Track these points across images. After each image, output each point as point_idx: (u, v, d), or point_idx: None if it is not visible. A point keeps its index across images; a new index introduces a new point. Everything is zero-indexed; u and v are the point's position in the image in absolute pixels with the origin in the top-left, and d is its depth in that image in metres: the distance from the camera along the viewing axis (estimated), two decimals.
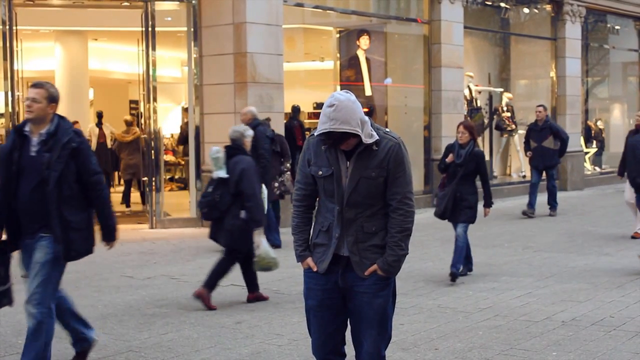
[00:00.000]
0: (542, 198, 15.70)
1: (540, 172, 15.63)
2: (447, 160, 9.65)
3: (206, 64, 14.40)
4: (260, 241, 8.08)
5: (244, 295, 8.68)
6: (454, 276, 9.36)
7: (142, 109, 15.86)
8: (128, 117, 18.27)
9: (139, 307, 8.29)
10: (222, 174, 8.21)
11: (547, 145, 15.42)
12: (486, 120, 21.06)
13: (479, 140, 20.73)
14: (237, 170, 8.09)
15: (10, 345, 6.82)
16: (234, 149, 8.36)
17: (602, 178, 23.32)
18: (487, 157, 20.71)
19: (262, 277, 9.63)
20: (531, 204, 15.50)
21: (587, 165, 23.86)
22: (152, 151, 14.62)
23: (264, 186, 10.08)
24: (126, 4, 14.85)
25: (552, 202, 15.75)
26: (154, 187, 14.51)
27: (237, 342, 6.93)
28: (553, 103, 22.15)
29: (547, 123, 15.49)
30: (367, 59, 17.89)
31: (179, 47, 17.46)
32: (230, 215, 8.13)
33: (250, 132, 8.72)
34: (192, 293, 8.29)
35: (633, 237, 12.43)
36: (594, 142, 24.57)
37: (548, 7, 22.02)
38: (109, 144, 19.42)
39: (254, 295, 8.51)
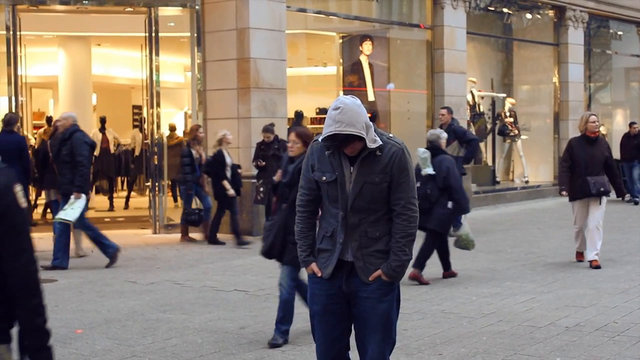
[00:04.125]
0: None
1: None
2: (275, 178, 7.56)
3: (209, 70, 14.42)
4: (464, 223, 9.89)
5: (248, 300, 8.69)
6: (273, 346, 6.97)
7: (145, 115, 15.88)
8: (172, 123, 18.95)
9: (143, 312, 8.29)
10: (430, 170, 9.56)
11: (449, 152, 13.49)
12: (489, 126, 21.08)
13: (482, 145, 20.82)
14: (444, 167, 9.52)
15: None
16: (435, 149, 9.75)
17: None
18: (489, 163, 21.03)
19: (265, 282, 9.65)
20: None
21: None
22: (155, 156, 14.63)
23: (83, 196, 10.72)
24: (129, 9, 14.87)
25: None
26: (157, 192, 14.51)
27: (241, 348, 6.93)
28: (556, 108, 22.17)
29: (452, 127, 13.39)
30: (370, 65, 17.92)
31: (182, 53, 17.51)
32: (439, 206, 9.48)
33: (444, 135, 10.16)
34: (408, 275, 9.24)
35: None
36: None
37: (550, 13, 22.05)
38: (112, 149, 19.45)
39: (448, 273, 9.95)
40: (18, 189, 3.19)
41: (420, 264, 9.58)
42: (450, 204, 9.54)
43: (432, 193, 9.47)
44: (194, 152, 12.96)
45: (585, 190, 10.49)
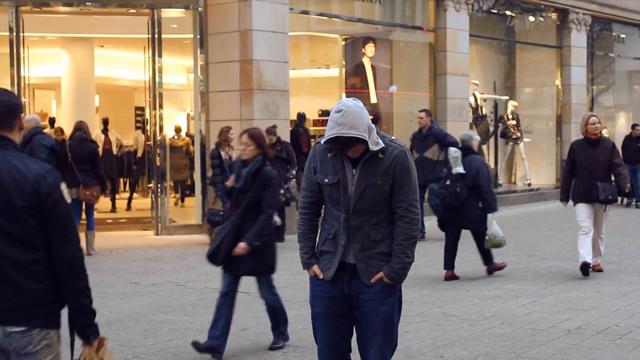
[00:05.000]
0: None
1: (422, 187, 13.42)
2: (228, 183, 7.27)
3: (212, 71, 14.43)
4: (493, 222, 9.99)
5: (249, 301, 8.69)
6: (275, 349, 6.99)
7: (147, 116, 15.90)
8: (178, 125, 19.28)
9: (145, 314, 8.30)
10: (460, 170, 9.95)
11: (428, 156, 13.38)
12: (491, 128, 21.08)
13: (484, 148, 20.82)
14: (473, 167, 9.92)
15: None
16: (466, 149, 10.14)
17: None
18: (491, 165, 21.03)
19: None
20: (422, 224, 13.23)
21: None
22: (157, 157, 14.64)
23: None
24: (132, 11, 14.89)
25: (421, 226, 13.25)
26: (159, 194, 14.52)
27: (242, 349, 6.94)
28: (558, 111, 22.17)
29: (432, 130, 13.38)
30: (373, 67, 17.92)
31: (184, 54, 17.54)
32: (470, 205, 9.91)
33: (477, 137, 10.60)
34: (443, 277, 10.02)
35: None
36: None
37: (553, 15, 22.05)
38: (115, 150, 19.47)
39: (491, 268, 10.33)
40: (63, 187, 3.64)
41: (486, 260, 10.32)
42: (480, 203, 9.97)
43: (461, 191, 9.87)
44: (223, 153, 12.85)
45: (592, 195, 10.02)
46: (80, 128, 12.30)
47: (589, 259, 10.01)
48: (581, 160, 10.19)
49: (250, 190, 6.69)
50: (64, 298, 3.64)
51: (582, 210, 10.21)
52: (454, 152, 10.18)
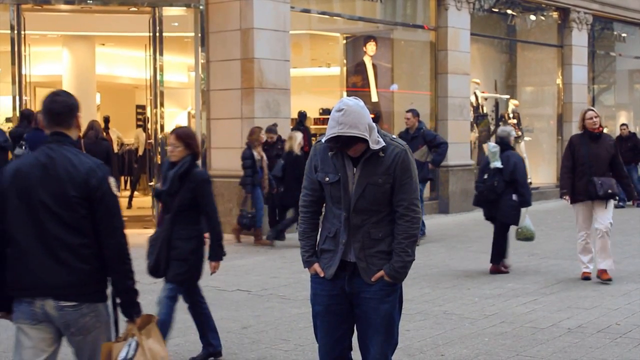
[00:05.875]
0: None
1: None
2: (158, 186, 6.77)
3: (213, 70, 14.44)
4: (525, 216, 10.24)
5: (250, 300, 8.71)
6: None
7: (148, 114, 15.91)
8: (179, 125, 18.88)
9: (146, 312, 8.28)
10: (498, 164, 10.19)
11: (417, 157, 12.56)
12: (492, 127, 21.07)
13: (484, 147, 20.82)
14: (511, 162, 10.15)
15: None
16: (504, 145, 10.35)
17: None
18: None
19: (268, 282, 9.67)
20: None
21: None
22: (158, 155, 14.65)
23: None
24: (134, 9, 14.90)
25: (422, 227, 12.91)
26: None
27: (243, 347, 6.95)
28: (559, 110, 22.17)
29: (420, 131, 13.06)
30: (374, 65, 17.92)
31: (186, 53, 17.53)
32: (505, 198, 10.12)
33: (514, 133, 10.90)
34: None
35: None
36: None
37: (555, 15, 22.04)
38: (116, 148, 19.48)
39: (497, 268, 10.39)
40: (111, 180, 4.09)
41: (494, 258, 10.41)
42: (515, 197, 10.16)
43: (498, 185, 10.15)
44: (255, 153, 12.79)
45: (591, 192, 9.52)
46: (93, 127, 12.57)
47: (590, 267, 9.82)
48: (582, 155, 9.69)
49: (179, 193, 6.29)
50: (110, 279, 4.10)
51: (580, 211, 9.81)
52: (492, 147, 10.48)
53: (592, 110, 9.93)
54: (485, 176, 10.36)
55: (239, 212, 13.05)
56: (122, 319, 4.23)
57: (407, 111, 13.44)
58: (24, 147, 12.00)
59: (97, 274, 4.06)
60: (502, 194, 10.17)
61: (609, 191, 9.52)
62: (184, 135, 6.42)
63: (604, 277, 9.55)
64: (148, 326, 4.26)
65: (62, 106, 4.17)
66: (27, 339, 4.08)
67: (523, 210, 10.29)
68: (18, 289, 4.07)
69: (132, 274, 4.13)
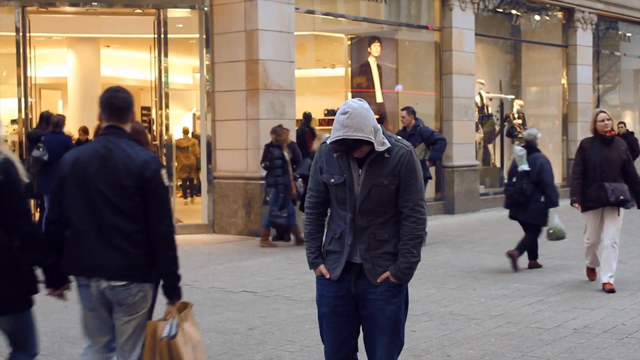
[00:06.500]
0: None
1: None
2: None
3: (218, 71, 14.45)
4: (555, 217, 10.44)
5: (256, 301, 8.72)
6: None
7: (154, 116, 15.92)
8: (185, 127, 20.42)
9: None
10: (526, 167, 10.48)
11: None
12: (497, 127, 21.06)
13: (490, 147, 20.81)
14: (537, 164, 10.42)
15: None
16: (531, 147, 10.64)
17: None
18: (497, 164, 21.00)
19: (274, 283, 9.68)
20: None
21: None
22: (164, 157, 14.66)
23: None
24: (138, 11, 14.92)
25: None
26: None
27: (249, 349, 6.95)
28: (564, 110, 22.15)
29: (417, 128, 12.73)
30: (378, 66, 17.91)
31: (191, 54, 17.54)
32: (533, 199, 10.36)
33: (540, 135, 11.07)
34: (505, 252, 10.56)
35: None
36: None
37: (559, 14, 22.02)
38: None
39: (533, 263, 10.76)
40: (163, 172, 4.47)
41: (530, 255, 10.76)
42: (542, 198, 10.42)
43: (526, 187, 10.39)
44: (285, 154, 12.74)
45: (602, 198, 9.05)
46: None
47: (595, 264, 9.66)
48: (593, 160, 9.19)
49: None
50: (156, 263, 4.48)
51: (590, 219, 9.38)
52: (519, 150, 10.68)
53: (604, 112, 9.37)
54: (514, 179, 10.63)
55: (269, 213, 12.73)
56: (160, 302, 4.63)
57: (403, 109, 13.27)
58: (41, 149, 12.10)
59: (147, 257, 4.43)
60: (530, 196, 10.40)
61: (621, 197, 9.05)
62: (133, 131, 6.35)
63: (607, 288, 9.13)
64: (185, 311, 4.61)
65: (122, 102, 4.53)
66: (89, 322, 4.59)
67: (551, 210, 10.50)
68: (75, 270, 4.51)
69: (177, 260, 4.52)
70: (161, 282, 4.60)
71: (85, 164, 4.41)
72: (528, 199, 10.42)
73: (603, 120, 9.21)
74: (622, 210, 9.26)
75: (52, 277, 4.60)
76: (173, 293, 4.58)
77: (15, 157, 4.50)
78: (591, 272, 9.80)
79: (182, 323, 4.56)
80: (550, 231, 10.67)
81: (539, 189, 10.39)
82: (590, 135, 9.43)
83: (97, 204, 4.36)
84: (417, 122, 12.88)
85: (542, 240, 10.92)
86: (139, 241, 4.40)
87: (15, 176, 4.40)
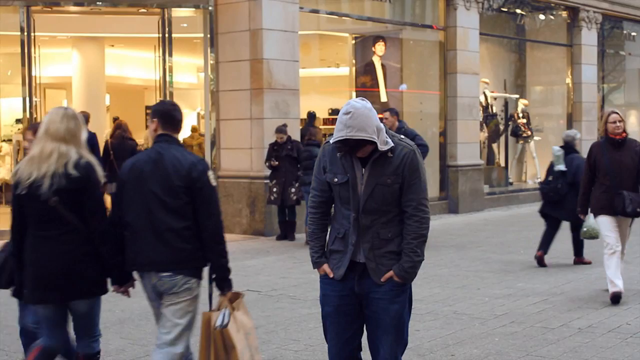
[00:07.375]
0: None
1: None
2: None
3: (222, 70, 14.46)
4: (591, 216, 9.78)
5: (260, 300, 8.72)
6: None
7: None
8: (194, 125, 20.78)
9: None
10: (562, 167, 10.74)
11: None
12: (502, 127, 21.05)
13: (495, 146, 20.80)
14: (574, 165, 10.57)
15: None
16: (569, 148, 10.88)
17: None
18: (502, 164, 20.97)
19: (278, 283, 9.68)
20: None
21: None
22: None
23: None
24: (143, 10, 14.93)
25: None
26: None
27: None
28: (569, 110, 22.12)
29: (402, 130, 11.76)
30: (383, 65, 17.90)
31: (195, 54, 17.54)
32: (569, 199, 10.44)
33: (579, 135, 11.29)
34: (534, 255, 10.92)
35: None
36: None
37: (564, 14, 21.99)
38: None
39: (579, 259, 11.08)
40: (210, 173, 4.86)
41: (577, 251, 11.12)
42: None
43: (562, 187, 10.71)
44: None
45: (617, 207, 8.42)
46: (120, 127, 13.00)
47: (620, 285, 8.49)
48: (603, 165, 8.51)
49: None
50: (207, 257, 4.83)
51: (606, 222, 8.62)
52: (557, 151, 10.95)
53: (616, 113, 8.62)
54: (550, 178, 10.92)
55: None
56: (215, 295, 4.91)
57: (384, 110, 12.64)
58: None
59: (196, 252, 4.78)
60: (565, 195, 10.63)
61: (638, 209, 8.45)
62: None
63: (611, 296, 8.54)
64: (237, 300, 4.91)
65: (180, 115, 5.05)
66: (154, 312, 5.02)
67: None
68: (134, 266, 4.90)
69: (226, 254, 4.84)
70: (213, 275, 4.89)
71: (141, 169, 4.83)
72: (562, 197, 10.68)
73: (615, 122, 8.50)
74: (634, 224, 8.92)
75: (117, 274, 5.00)
76: (224, 284, 4.87)
77: (95, 160, 4.98)
78: (614, 286, 8.55)
79: (234, 312, 4.85)
80: (585, 229, 10.58)
81: (574, 189, 10.39)
82: (600, 137, 8.94)
83: (151, 204, 4.75)
84: (400, 124, 12.35)
85: (540, 240, 10.99)
86: (189, 237, 4.76)
87: (95, 180, 4.88)
